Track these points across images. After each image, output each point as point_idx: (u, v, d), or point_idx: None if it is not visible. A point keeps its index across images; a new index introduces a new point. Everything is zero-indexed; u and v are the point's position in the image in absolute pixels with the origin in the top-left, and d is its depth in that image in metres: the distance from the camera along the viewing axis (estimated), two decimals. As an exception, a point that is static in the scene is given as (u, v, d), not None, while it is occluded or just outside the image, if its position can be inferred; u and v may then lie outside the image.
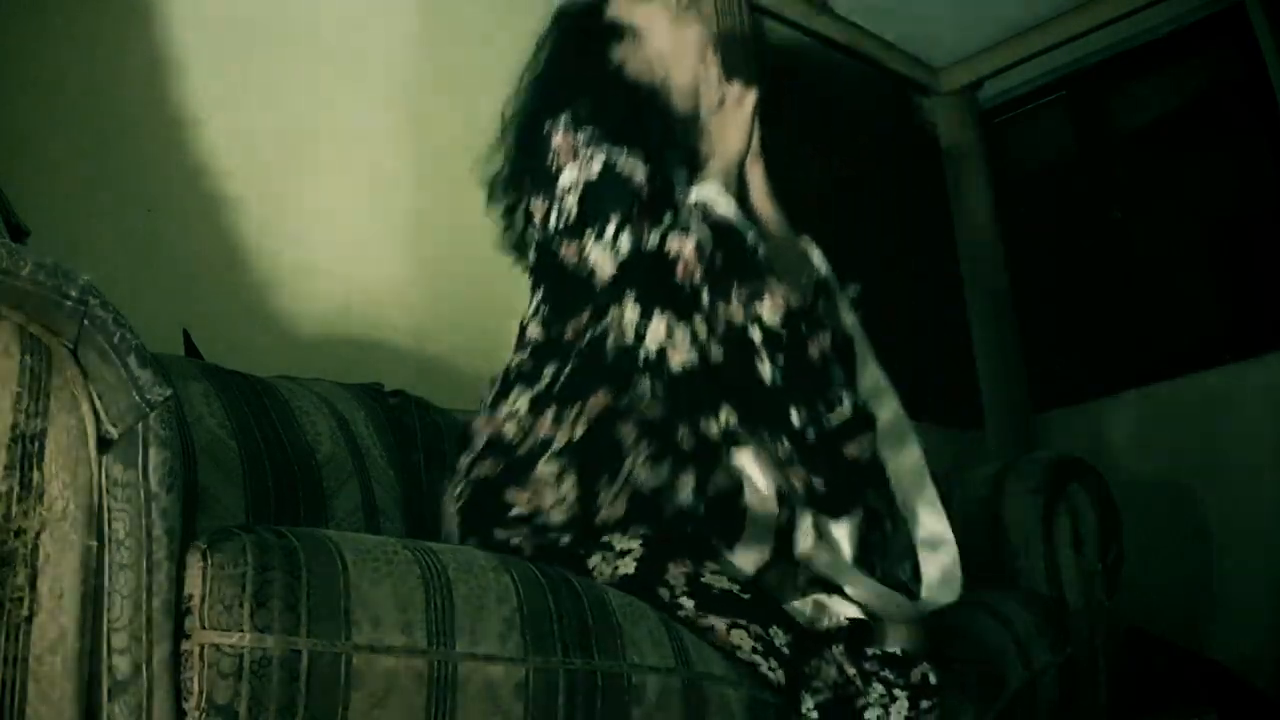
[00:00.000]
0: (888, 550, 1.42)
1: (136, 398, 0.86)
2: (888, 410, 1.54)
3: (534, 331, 1.48)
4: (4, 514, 0.79)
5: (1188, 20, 3.49)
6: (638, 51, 1.61)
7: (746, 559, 1.32)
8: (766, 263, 1.37)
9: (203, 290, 1.87)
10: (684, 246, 1.34)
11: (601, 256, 1.38)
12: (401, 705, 0.91)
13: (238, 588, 0.87)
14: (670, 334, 1.32)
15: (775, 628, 1.26)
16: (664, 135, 1.52)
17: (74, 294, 0.84)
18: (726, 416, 1.33)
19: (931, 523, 1.47)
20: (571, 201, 1.41)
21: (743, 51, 2.90)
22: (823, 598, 1.30)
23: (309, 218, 2.03)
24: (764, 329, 1.32)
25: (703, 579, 1.27)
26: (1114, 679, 1.94)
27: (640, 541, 1.30)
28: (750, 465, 1.34)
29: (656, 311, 1.33)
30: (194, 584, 0.87)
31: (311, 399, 1.57)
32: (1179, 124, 3.62)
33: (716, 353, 1.31)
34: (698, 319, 1.32)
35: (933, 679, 1.26)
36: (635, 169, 1.41)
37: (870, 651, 1.26)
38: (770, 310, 1.31)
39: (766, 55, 3.27)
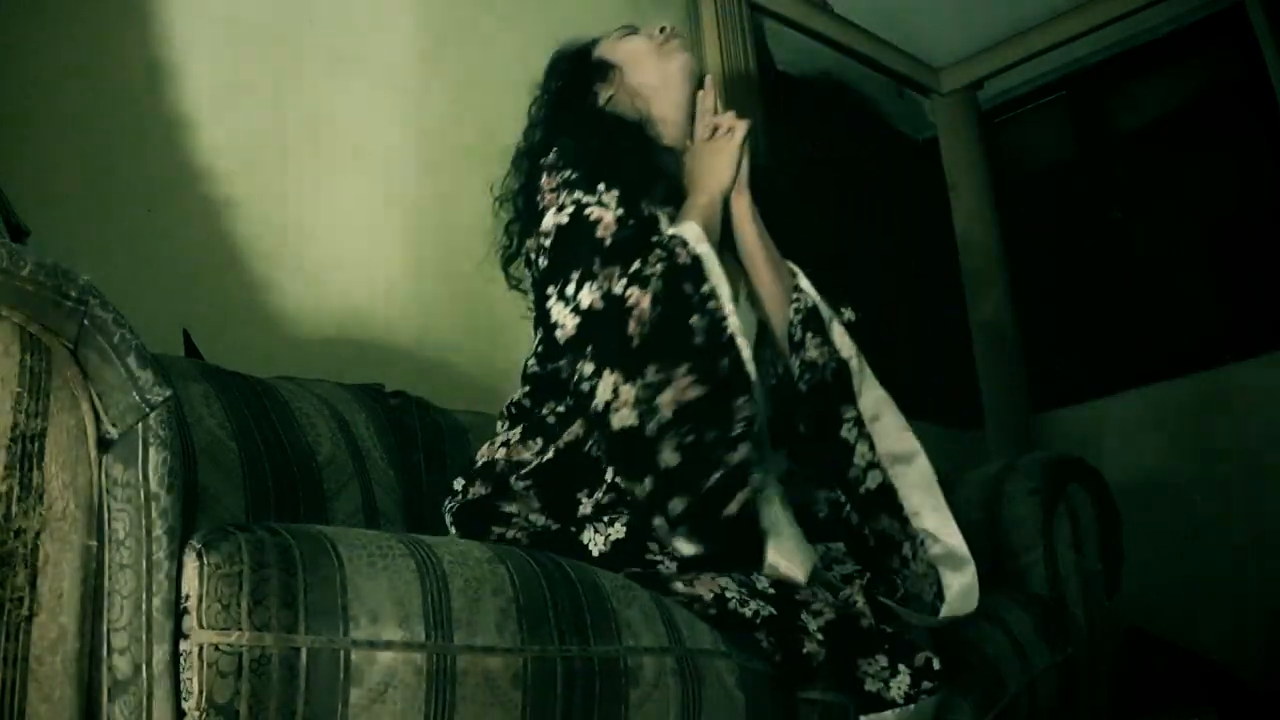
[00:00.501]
0: (909, 572, 1.45)
1: (136, 398, 0.86)
2: (891, 430, 1.56)
3: (533, 367, 1.51)
4: (4, 514, 0.80)
5: (1188, 20, 3.49)
6: (622, 88, 1.65)
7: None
8: (714, 326, 1.36)
9: (203, 290, 1.87)
10: (640, 301, 1.35)
11: (562, 314, 1.39)
12: (401, 699, 0.91)
13: (234, 586, 0.87)
14: (615, 393, 1.32)
15: (757, 574, 1.30)
16: (643, 172, 1.53)
17: (74, 294, 0.84)
18: (651, 484, 1.32)
19: (949, 538, 1.48)
20: (548, 246, 1.44)
21: (745, 80, 2.90)
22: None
23: (309, 218, 2.03)
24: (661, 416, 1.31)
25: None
26: (1114, 679, 1.94)
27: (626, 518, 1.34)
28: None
29: (606, 370, 1.34)
30: (191, 583, 0.87)
31: (312, 400, 1.57)
32: (1179, 124, 3.62)
33: (652, 425, 1.31)
34: (639, 382, 1.32)
35: (936, 665, 1.28)
36: (605, 214, 1.42)
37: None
38: (669, 401, 1.31)
39: (767, 56, 3.27)
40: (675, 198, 1.55)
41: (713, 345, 1.34)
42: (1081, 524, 1.93)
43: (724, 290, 1.38)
